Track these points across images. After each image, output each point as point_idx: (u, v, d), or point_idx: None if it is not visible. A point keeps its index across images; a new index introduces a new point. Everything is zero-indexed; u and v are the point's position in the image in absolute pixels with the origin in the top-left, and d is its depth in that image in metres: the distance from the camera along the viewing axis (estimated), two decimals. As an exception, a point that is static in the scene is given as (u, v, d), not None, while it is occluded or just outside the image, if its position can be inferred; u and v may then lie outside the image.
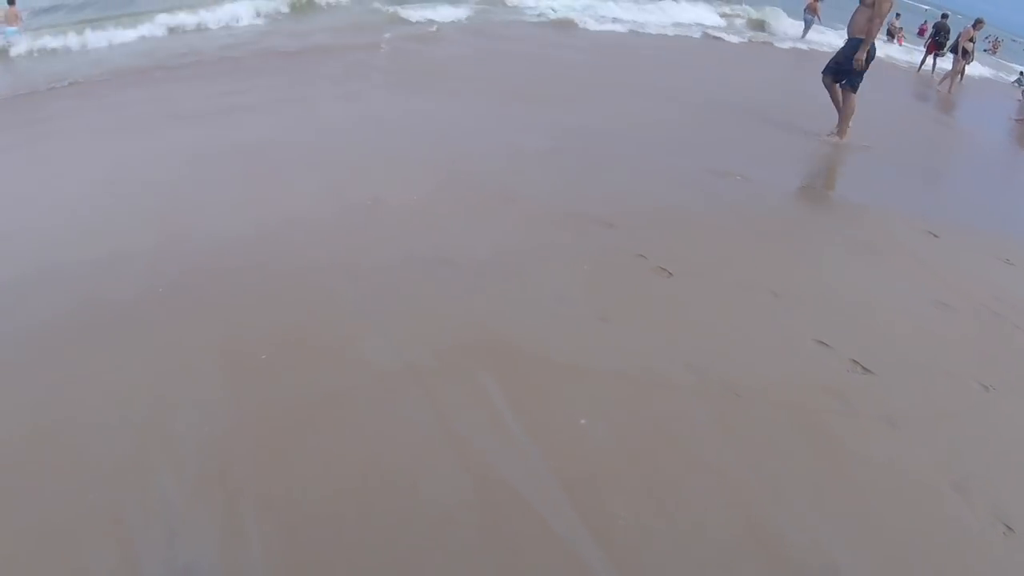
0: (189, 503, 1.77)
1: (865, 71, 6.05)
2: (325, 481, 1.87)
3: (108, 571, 1.60)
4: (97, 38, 7.77)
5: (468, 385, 2.27)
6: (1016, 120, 12.13)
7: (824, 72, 6.27)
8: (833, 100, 6.35)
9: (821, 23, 17.67)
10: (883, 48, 17.21)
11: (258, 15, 9.08)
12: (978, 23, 14.54)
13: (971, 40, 14.19)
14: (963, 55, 14.13)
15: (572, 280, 3.00)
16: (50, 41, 7.59)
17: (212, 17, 8.89)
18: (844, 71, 6.09)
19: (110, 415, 2.04)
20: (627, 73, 8.56)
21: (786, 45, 15.30)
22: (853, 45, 6.00)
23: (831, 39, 15.49)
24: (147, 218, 3.28)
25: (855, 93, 6.17)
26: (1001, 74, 21.39)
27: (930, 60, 16.18)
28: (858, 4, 5.98)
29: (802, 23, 17.55)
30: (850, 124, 6.26)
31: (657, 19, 13.56)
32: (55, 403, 2.08)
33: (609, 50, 10.39)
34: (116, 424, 2.00)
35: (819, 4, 17.29)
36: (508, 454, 2.00)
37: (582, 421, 2.17)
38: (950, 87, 13.73)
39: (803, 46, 15.53)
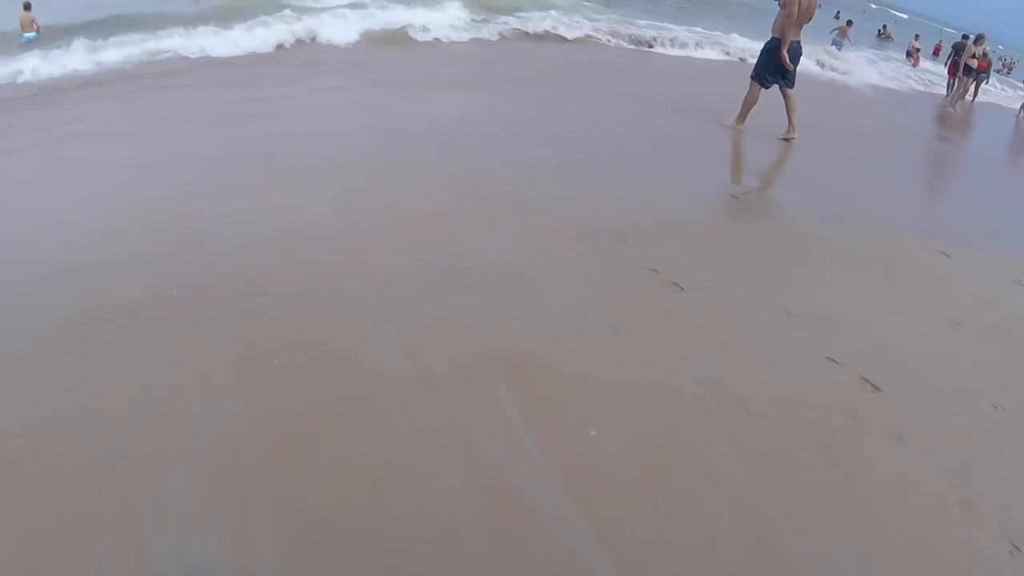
0: (201, 503, 1.79)
1: (793, 68, 6.41)
2: (336, 485, 1.89)
3: (119, 568, 1.62)
4: (117, 43, 7.80)
5: (480, 394, 2.28)
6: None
7: (753, 77, 6.53)
8: (747, 101, 6.59)
9: (851, 44, 19.03)
10: (897, 71, 17.29)
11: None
12: (979, 39, 14.56)
13: (974, 56, 14.19)
14: (966, 72, 14.17)
15: (585, 292, 3.02)
16: (71, 45, 7.64)
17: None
18: (771, 72, 6.42)
19: (124, 415, 2.06)
20: (642, 88, 8.60)
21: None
22: (771, 45, 6.39)
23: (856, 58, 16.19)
24: (163, 222, 3.32)
25: (792, 89, 6.51)
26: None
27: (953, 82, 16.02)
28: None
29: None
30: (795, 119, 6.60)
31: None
32: (70, 402, 2.11)
33: (624, 66, 10.45)
34: (130, 424, 2.03)
35: (849, 29, 19.03)
36: (519, 463, 2.02)
37: (592, 432, 2.18)
38: (954, 103, 13.83)
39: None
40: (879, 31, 30.65)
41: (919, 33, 24.82)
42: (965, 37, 15.82)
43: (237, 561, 1.66)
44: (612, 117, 6.51)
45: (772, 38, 6.38)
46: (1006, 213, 6.55)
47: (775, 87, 6.51)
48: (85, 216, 3.42)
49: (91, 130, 5.02)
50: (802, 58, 6.59)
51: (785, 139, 6.56)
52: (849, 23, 19.60)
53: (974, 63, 14.25)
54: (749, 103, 6.56)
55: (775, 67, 6.36)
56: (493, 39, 10.51)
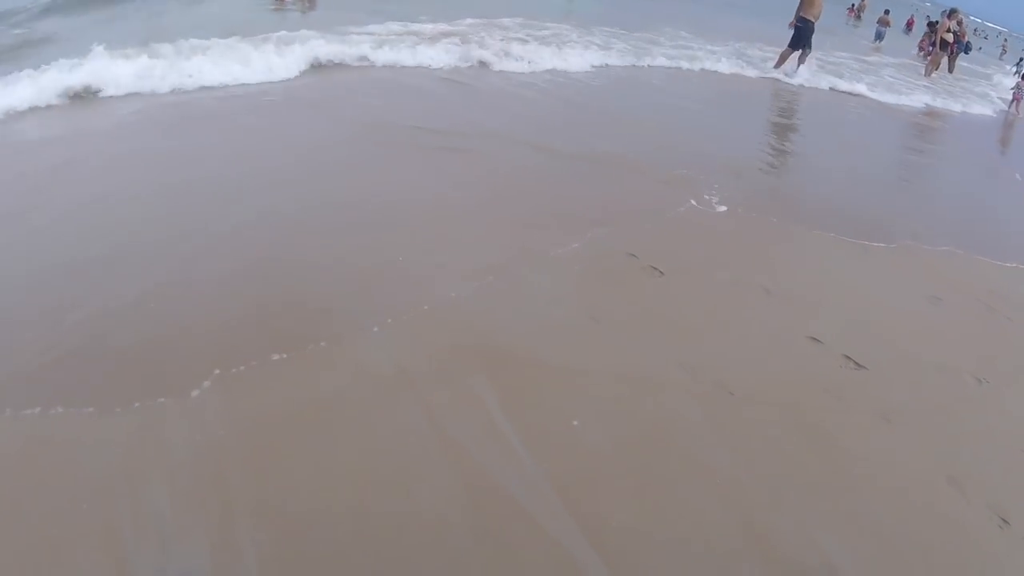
0: (181, 511, 1.76)
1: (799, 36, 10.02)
2: (318, 487, 1.86)
3: (100, 580, 1.58)
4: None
5: (461, 388, 2.25)
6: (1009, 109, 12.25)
7: (802, 47, 10.00)
8: (787, 59, 10.08)
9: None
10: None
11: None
12: (952, 13, 14.89)
13: (949, 31, 14.50)
14: (942, 46, 14.53)
15: (564, 281, 2.98)
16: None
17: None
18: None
19: (100, 425, 2.01)
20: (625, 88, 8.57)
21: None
22: (812, 27, 9.98)
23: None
24: (138, 218, 3.23)
25: (805, 51, 10.12)
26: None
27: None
28: None
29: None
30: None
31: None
32: (45, 413, 2.04)
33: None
34: (107, 434, 1.98)
35: (890, 18, 20.98)
36: (501, 456, 1.99)
37: (574, 422, 2.16)
38: (928, 71, 14.43)
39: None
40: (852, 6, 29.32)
41: (928, 15, 25.00)
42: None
43: (220, 568, 1.63)
44: (588, 108, 6.45)
45: (812, 22, 9.83)
46: (983, 188, 6.59)
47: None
48: (55, 222, 3.32)
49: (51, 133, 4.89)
50: None
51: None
52: (886, 11, 20.95)
53: (950, 37, 14.53)
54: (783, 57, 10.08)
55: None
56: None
